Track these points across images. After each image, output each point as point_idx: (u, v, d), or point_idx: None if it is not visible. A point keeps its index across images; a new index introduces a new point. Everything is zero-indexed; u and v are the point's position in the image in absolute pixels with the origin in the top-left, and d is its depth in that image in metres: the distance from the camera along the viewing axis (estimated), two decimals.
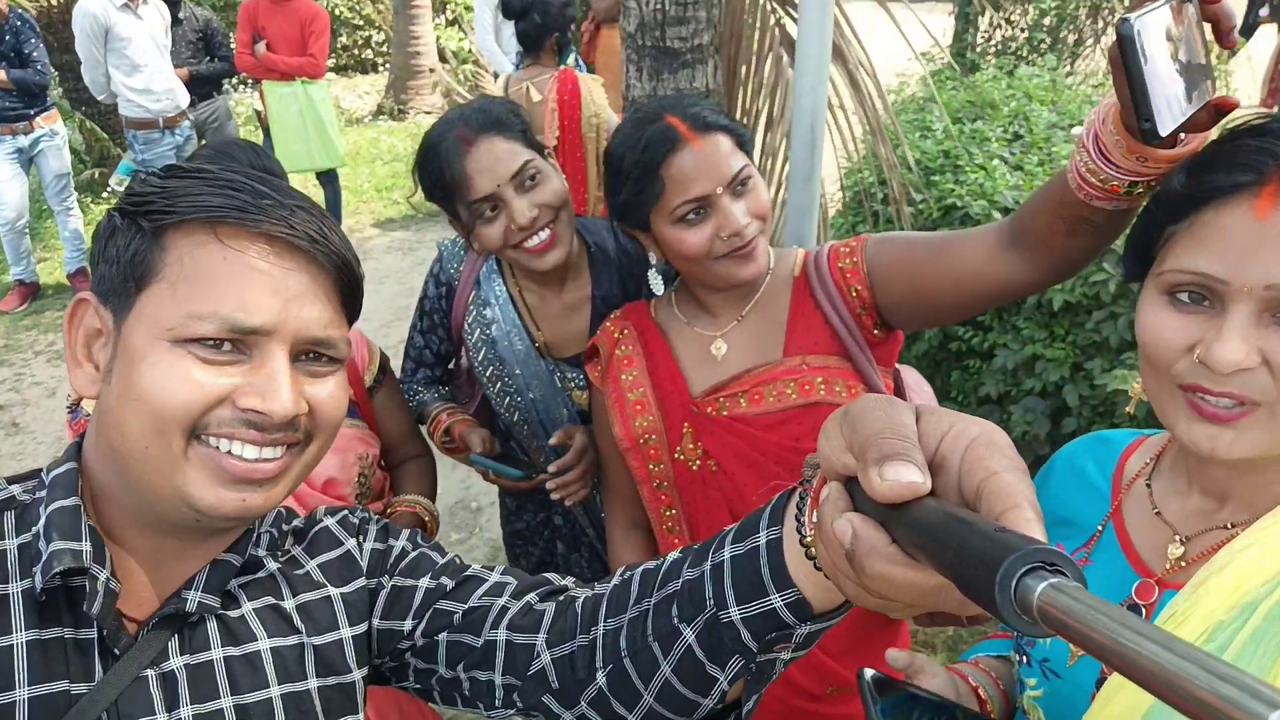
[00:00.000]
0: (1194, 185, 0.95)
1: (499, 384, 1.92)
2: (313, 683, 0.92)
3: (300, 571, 0.96)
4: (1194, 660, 0.34)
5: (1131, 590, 1.11)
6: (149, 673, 0.84)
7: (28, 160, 5.94)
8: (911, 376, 1.79)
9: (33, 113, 5.84)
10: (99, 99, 5.95)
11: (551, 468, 1.80)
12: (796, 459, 1.51)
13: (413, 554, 1.00)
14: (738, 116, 3.30)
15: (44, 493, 0.85)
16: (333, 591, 0.96)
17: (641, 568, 0.86)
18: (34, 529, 0.83)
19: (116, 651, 0.83)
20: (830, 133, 3.27)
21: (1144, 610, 1.08)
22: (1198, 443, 0.96)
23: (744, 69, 3.04)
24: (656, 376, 1.62)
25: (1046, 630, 0.41)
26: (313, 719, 0.92)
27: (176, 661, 0.86)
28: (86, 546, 0.80)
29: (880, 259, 1.51)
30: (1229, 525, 1.04)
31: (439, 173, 1.68)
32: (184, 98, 5.85)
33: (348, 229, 7.46)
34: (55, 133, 6.02)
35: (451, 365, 2.11)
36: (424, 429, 2.01)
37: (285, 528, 0.99)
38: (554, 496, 1.82)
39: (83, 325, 0.85)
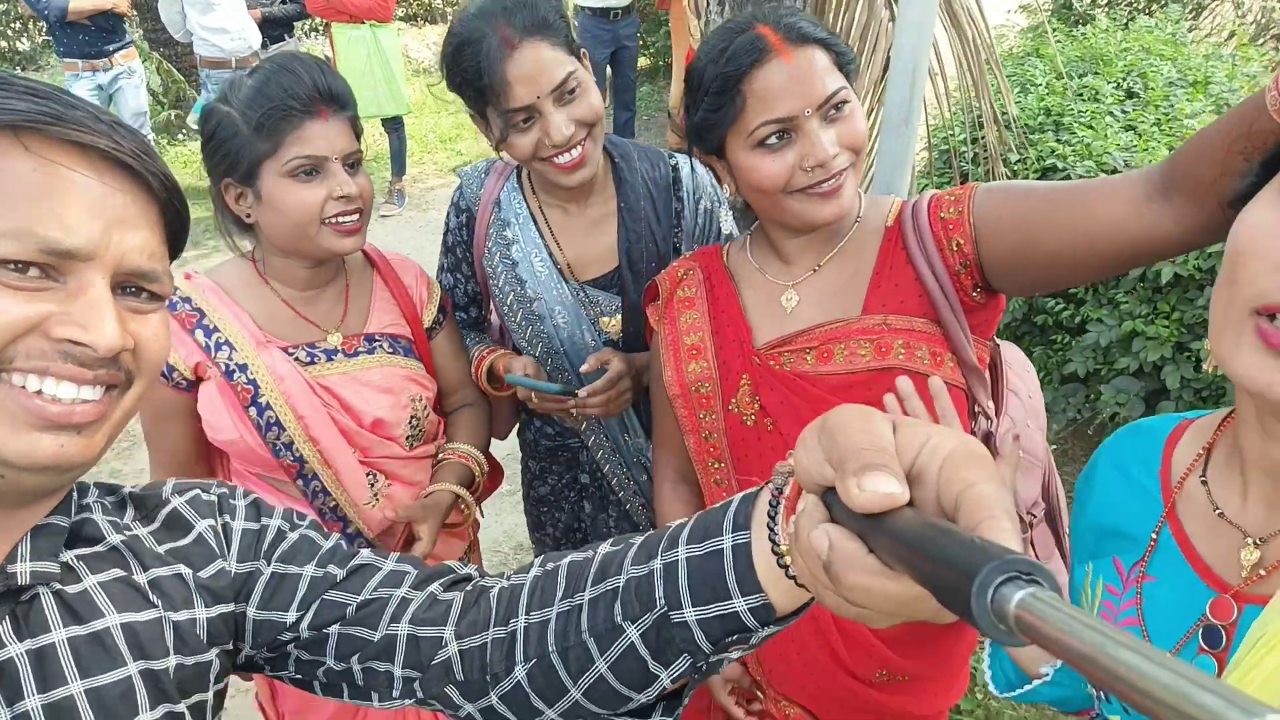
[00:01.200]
0: None
1: (521, 312, 1.80)
2: (172, 660, 0.83)
3: (154, 549, 0.87)
4: (1172, 670, 0.34)
5: (1205, 609, 0.96)
6: None
7: (107, 97, 6.00)
8: (1014, 354, 1.58)
9: (111, 49, 5.86)
10: (175, 37, 5.99)
11: (582, 392, 1.68)
12: None
13: (291, 536, 0.93)
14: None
15: None
16: (186, 571, 0.87)
17: (568, 558, 0.84)
18: None
19: None
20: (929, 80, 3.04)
21: (1225, 632, 0.93)
22: (1255, 379, 0.81)
23: (833, 6, 2.81)
24: (718, 322, 1.47)
25: (1022, 640, 0.41)
26: (170, 699, 0.82)
27: (14, 649, 0.76)
28: None
29: (990, 209, 1.31)
30: None
31: (475, 72, 1.54)
32: (256, 38, 5.85)
33: (412, 178, 7.39)
34: (134, 71, 6.07)
35: (482, 314, 2.01)
36: (480, 370, 1.90)
37: (111, 499, 0.89)
38: (578, 412, 1.74)
39: None
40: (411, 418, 1.70)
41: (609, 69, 6.55)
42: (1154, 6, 4.85)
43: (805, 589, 0.64)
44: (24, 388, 0.70)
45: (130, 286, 0.76)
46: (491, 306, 1.94)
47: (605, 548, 0.81)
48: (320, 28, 9.01)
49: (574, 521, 2.15)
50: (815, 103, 1.30)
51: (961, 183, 3.55)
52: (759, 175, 1.34)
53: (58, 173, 0.70)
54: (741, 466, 1.49)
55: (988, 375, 1.43)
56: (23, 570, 0.76)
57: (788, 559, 0.64)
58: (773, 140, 1.32)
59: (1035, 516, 1.48)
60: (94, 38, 5.77)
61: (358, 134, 1.57)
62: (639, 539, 0.79)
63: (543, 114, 1.55)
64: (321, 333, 1.64)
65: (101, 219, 0.72)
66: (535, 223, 1.79)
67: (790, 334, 1.41)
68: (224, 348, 1.56)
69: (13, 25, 9.31)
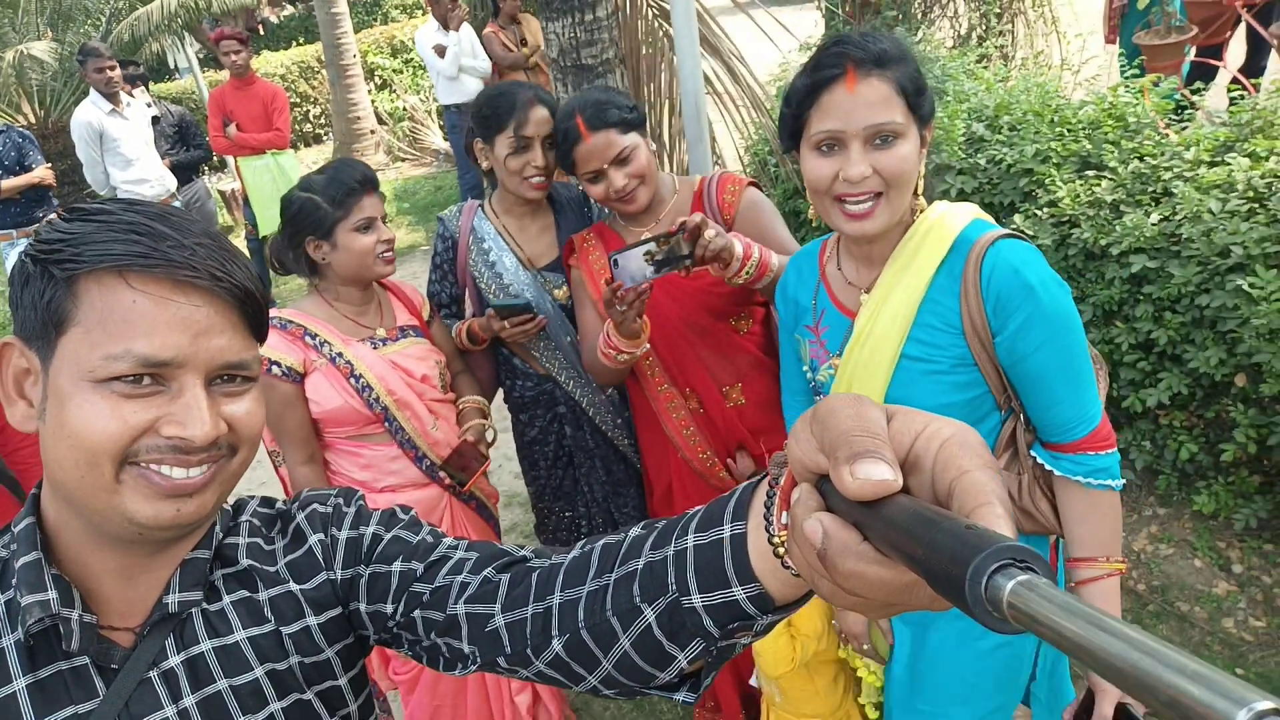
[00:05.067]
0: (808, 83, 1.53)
1: (502, 296, 2.58)
2: (293, 659, 1.01)
3: (271, 569, 1.03)
4: (1162, 659, 0.35)
5: (846, 329, 1.70)
6: (151, 674, 0.93)
7: None
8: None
9: (40, 215, 6.57)
10: (100, 193, 6.72)
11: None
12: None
13: (386, 538, 1.06)
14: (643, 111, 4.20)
15: (15, 546, 0.92)
16: (295, 588, 1.03)
17: (602, 541, 0.90)
18: (12, 583, 0.90)
19: (115, 667, 0.92)
20: (722, 113, 4.19)
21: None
22: (842, 227, 1.59)
23: (645, 74, 3.94)
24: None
25: (1016, 627, 0.42)
26: (297, 689, 1.01)
27: (175, 659, 0.94)
28: (52, 595, 0.87)
29: (747, 213, 2.27)
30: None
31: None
32: (172, 181, 6.63)
33: None
34: None
35: (459, 309, 2.82)
36: (455, 339, 2.69)
37: (265, 511, 1.10)
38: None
39: (11, 366, 0.90)
40: (440, 372, 2.50)
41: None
42: (887, 30, 6.21)
43: (803, 579, 0.63)
44: (147, 468, 0.86)
45: (224, 376, 0.91)
46: (466, 302, 2.76)
47: (635, 531, 0.86)
48: (220, 165, 9.88)
49: (558, 449, 2.81)
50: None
51: (773, 181, 4.70)
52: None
53: (151, 301, 0.84)
54: (658, 347, 2.33)
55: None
56: (173, 600, 0.94)
57: (782, 549, 0.65)
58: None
59: None
60: (24, 208, 6.45)
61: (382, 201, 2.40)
62: (663, 523, 0.83)
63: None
64: (372, 330, 2.39)
65: (188, 333, 0.86)
66: (501, 236, 2.60)
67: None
68: (324, 345, 2.28)
69: None
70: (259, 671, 0.98)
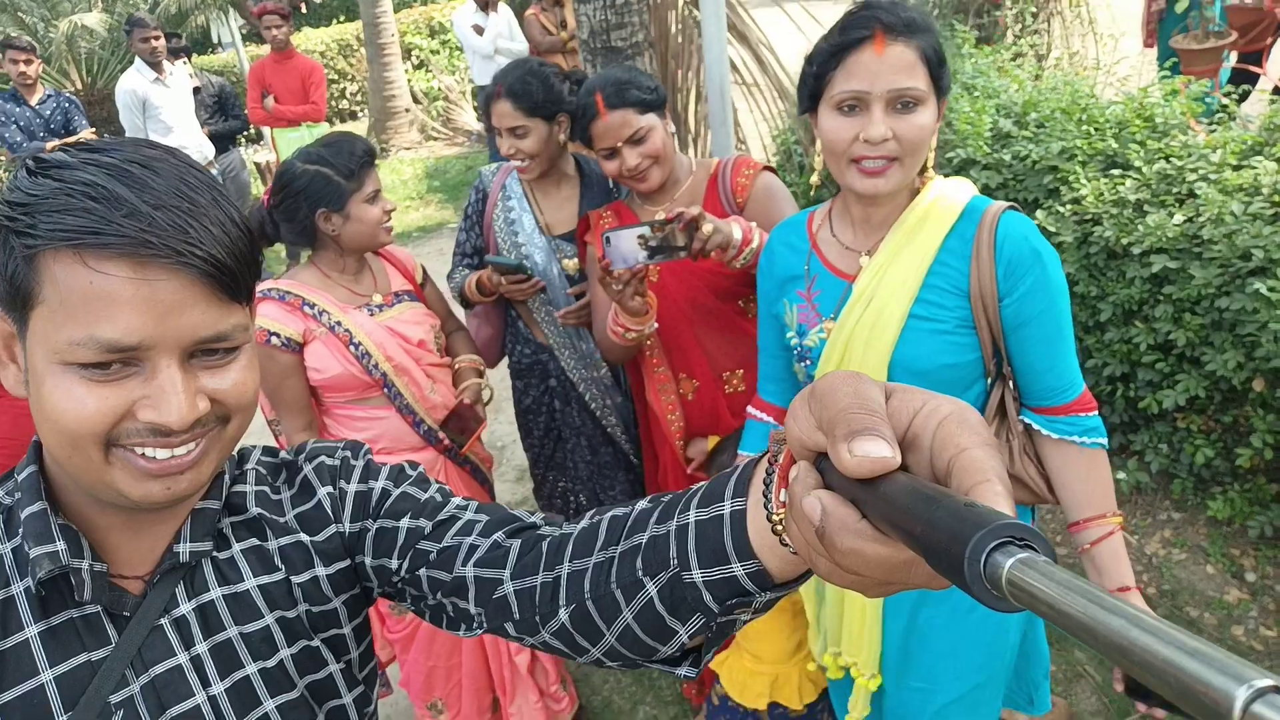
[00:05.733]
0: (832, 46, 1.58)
1: (514, 253, 2.69)
2: (301, 608, 1.01)
3: (281, 519, 1.03)
4: (1162, 636, 0.34)
5: (842, 292, 1.72)
6: (163, 621, 0.93)
7: None
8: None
9: None
10: None
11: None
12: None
13: (395, 494, 1.06)
14: (670, 96, 4.22)
15: (19, 495, 0.91)
16: (305, 538, 1.03)
17: (610, 513, 0.89)
18: (20, 531, 0.89)
19: (127, 614, 0.91)
20: (748, 101, 4.21)
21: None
22: (853, 185, 1.60)
23: (672, 59, 3.96)
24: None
25: (1015, 605, 0.41)
26: (305, 636, 1.01)
27: (186, 606, 0.94)
28: (61, 545, 0.86)
29: (758, 197, 2.29)
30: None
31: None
32: (210, 150, 6.77)
33: None
34: None
35: (479, 260, 2.89)
36: (464, 288, 2.77)
37: (270, 460, 1.08)
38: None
39: None
40: (435, 336, 2.53)
41: None
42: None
43: (801, 557, 0.63)
44: (133, 451, 0.83)
45: (203, 350, 0.84)
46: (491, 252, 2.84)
47: (642, 504, 0.86)
48: (255, 137, 10.01)
49: (550, 421, 2.94)
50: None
51: (798, 170, 4.72)
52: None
53: (109, 282, 0.77)
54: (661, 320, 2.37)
55: None
56: (184, 550, 0.94)
57: (780, 527, 0.64)
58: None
59: None
60: None
61: None
62: (668, 497, 0.83)
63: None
64: (367, 297, 2.41)
65: (153, 313, 0.79)
66: (526, 198, 2.71)
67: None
68: (323, 314, 2.30)
69: None
70: (269, 619, 0.98)
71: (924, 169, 1.68)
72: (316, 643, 1.02)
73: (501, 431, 4.94)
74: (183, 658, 0.93)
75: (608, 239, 2.00)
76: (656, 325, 2.30)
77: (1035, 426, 1.69)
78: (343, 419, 2.44)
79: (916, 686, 1.88)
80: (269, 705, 0.97)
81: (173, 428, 0.81)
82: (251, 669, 0.96)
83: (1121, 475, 3.50)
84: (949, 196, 1.68)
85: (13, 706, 0.85)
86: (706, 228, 1.96)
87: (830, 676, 2.04)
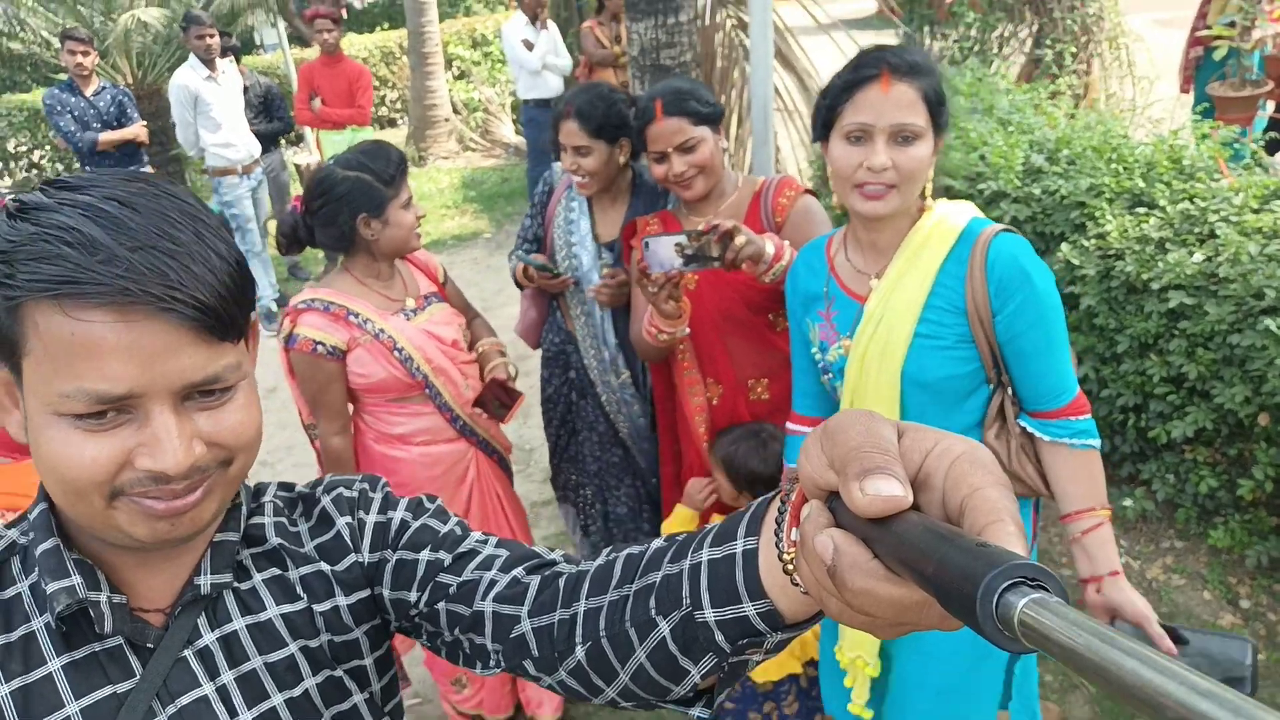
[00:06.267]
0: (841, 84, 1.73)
1: (565, 250, 2.87)
2: (324, 637, 1.00)
3: (301, 550, 1.02)
4: (1174, 677, 0.34)
5: (855, 313, 1.87)
6: (186, 653, 0.92)
7: None
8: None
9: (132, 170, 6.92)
10: (190, 153, 7.07)
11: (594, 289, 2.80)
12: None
13: (414, 526, 1.05)
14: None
15: (33, 534, 0.90)
16: (325, 567, 1.02)
17: (625, 552, 0.88)
18: (36, 569, 0.88)
19: (150, 645, 0.91)
20: (788, 126, 4.35)
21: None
22: (858, 209, 1.76)
23: (716, 82, 4.12)
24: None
25: (1027, 646, 0.41)
26: (329, 666, 1.00)
27: (209, 637, 0.94)
28: (77, 580, 0.85)
29: (796, 220, 2.41)
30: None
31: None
32: (257, 148, 6.95)
33: None
34: None
35: (537, 246, 3.06)
36: (516, 272, 2.96)
37: (286, 495, 1.07)
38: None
39: None
40: (464, 334, 2.66)
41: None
42: (962, 61, 6.35)
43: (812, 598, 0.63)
44: (137, 500, 0.81)
45: (198, 391, 0.82)
46: (544, 244, 3.00)
47: (658, 543, 0.85)
48: (296, 139, 10.24)
49: (566, 413, 3.13)
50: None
51: None
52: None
53: (92, 330, 0.75)
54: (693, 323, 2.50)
55: None
56: (205, 582, 0.93)
57: (790, 566, 0.64)
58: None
59: None
60: (118, 161, 6.78)
61: None
62: (683, 536, 0.82)
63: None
64: (401, 302, 2.51)
65: (139, 361, 0.76)
66: (586, 203, 2.87)
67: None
68: (367, 323, 2.40)
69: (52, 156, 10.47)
70: (293, 647, 0.98)
71: (923, 195, 1.83)
72: (340, 673, 1.01)
73: (529, 435, 5.08)
74: (209, 688, 0.92)
75: (647, 244, 2.14)
76: (689, 330, 2.43)
77: (1031, 430, 1.83)
78: (382, 416, 2.56)
79: (912, 670, 2.00)
80: None
81: (171, 474, 0.80)
82: (278, 699, 0.96)
83: (1129, 503, 3.61)
84: (948, 221, 1.83)
85: None
86: (740, 240, 2.11)
87: (843, 665, 2.16)
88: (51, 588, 0.85)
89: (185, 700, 0.91)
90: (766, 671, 2.51)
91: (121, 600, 0.89)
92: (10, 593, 0.89)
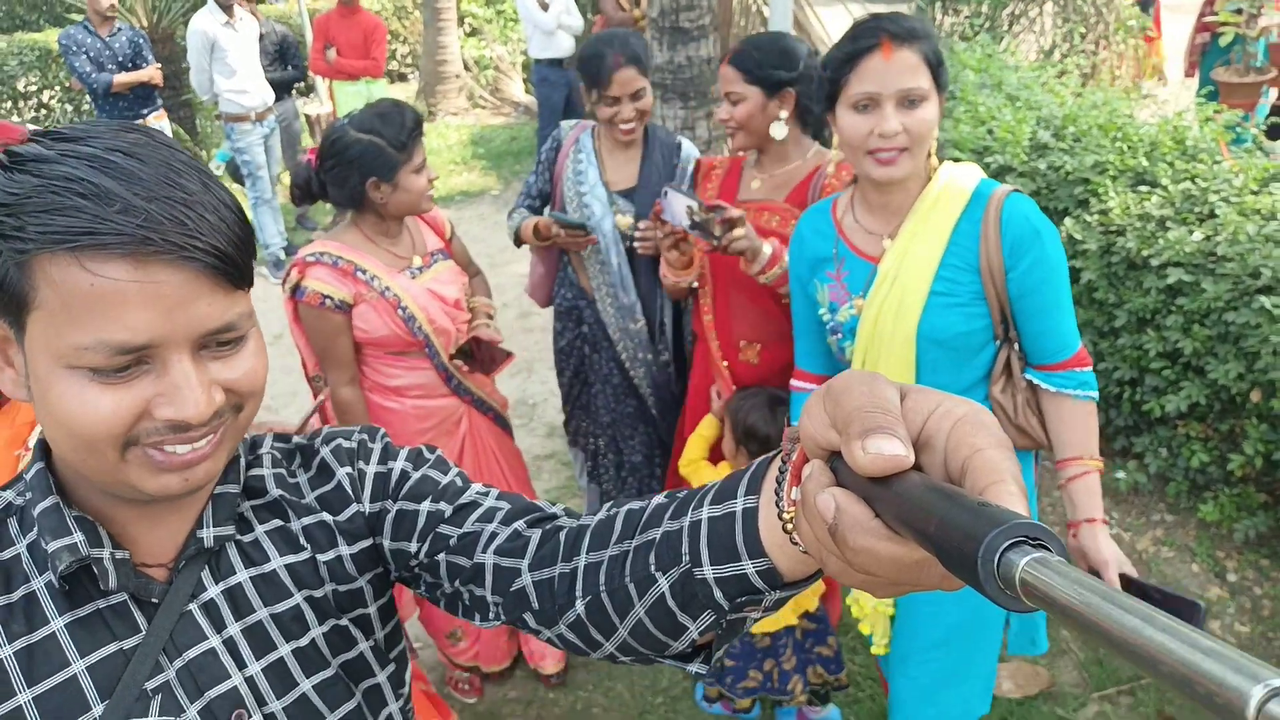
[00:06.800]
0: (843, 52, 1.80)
1: (576, 201, 2.93)
2: (328, 587, 1.00)
3: (302, 500, 1.02)
4: (1176, 635, 0.34)
5: (868, 273, 1.95)
6: (191, 606, 0.92)
7: None
8: None
9: (146, 113, 6.95)
10: (203, 99, 7.08)
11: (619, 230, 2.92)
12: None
13: (414, 476, 1.04)
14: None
15: (30, 493, 0.89)
16: (328, 518, 1.02)
17: (626, 507, 0.88)
18: (34, 528, 0.88)
19: (155, 600, 0.90)
20: None
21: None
22: (868, 172, 1.83)
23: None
24: (724, 189, 2.60)
25: (1029, 605, 0.41)
26: (334, 615, 1.00)
27: (213, 590, 0.94)
28: (79, 537, 0.85)
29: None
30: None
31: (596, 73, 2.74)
32: (270, 96, 6.96)
33: None
34: (163, 129, 7.13)
35: (543, 203, 3.14)
36: (520, 229, 3.02)
37: (283, 445, 1.06)
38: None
39: None
40: (466, 294, 2.69)
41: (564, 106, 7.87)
42: (973, 36, 6.38)
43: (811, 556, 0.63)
44: (150, 450, 0.81)
45: (212, 342, 0.83)
46: (553, 200, 3.08)
47: (659, 499, 0.85)
48: (307, 89, 10.23)
49: (579, 365, 3.20)
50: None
51: None
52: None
53: (110, 282, 0.75)
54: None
55: None
56: (207, 535, 0.93)
57: (790, 526, 0.64)
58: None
59: None
60: (131, 104, 6.83)
61: None
62: (684, 493, 0.82)
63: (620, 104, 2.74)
64: (408, 259, 2.54)
65: (160, 309, 0.77)
66: (595, 154, 2.95)
67: (750, 200, 2.51)
68: (374, 280, 2.43)
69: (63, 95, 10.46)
70: (299, 597, 0.97)
71: (929, 155, 1.89)
72: (345, 622, 1.01)
73: (533, 390, 5.17)
74: (215, 641, 0.92)
75: (665, 192, 2.24)
76: (696, 282, 2.52)
77: (1037, 382, 1.93)
78: (379, 368, 2.61)
79: (925, 609, 2.10)
80: (305, 685, 0.96)
81: (192, 422, 0.80)
82: (285, 649, 0.95)
83: (1121, 475, 3.71)
84: (958, 181, 1.90)
85: (48, 697, 0.85)
86: (738, 231, 2.22)
87: (856, 615, 2.26)
88: (53, 546, 0.84)
89: (192, 653, 0.91)
90: (764, 624, 2.61)
91: (124, 556, 0.89)
92: (9, 554, 0.89)
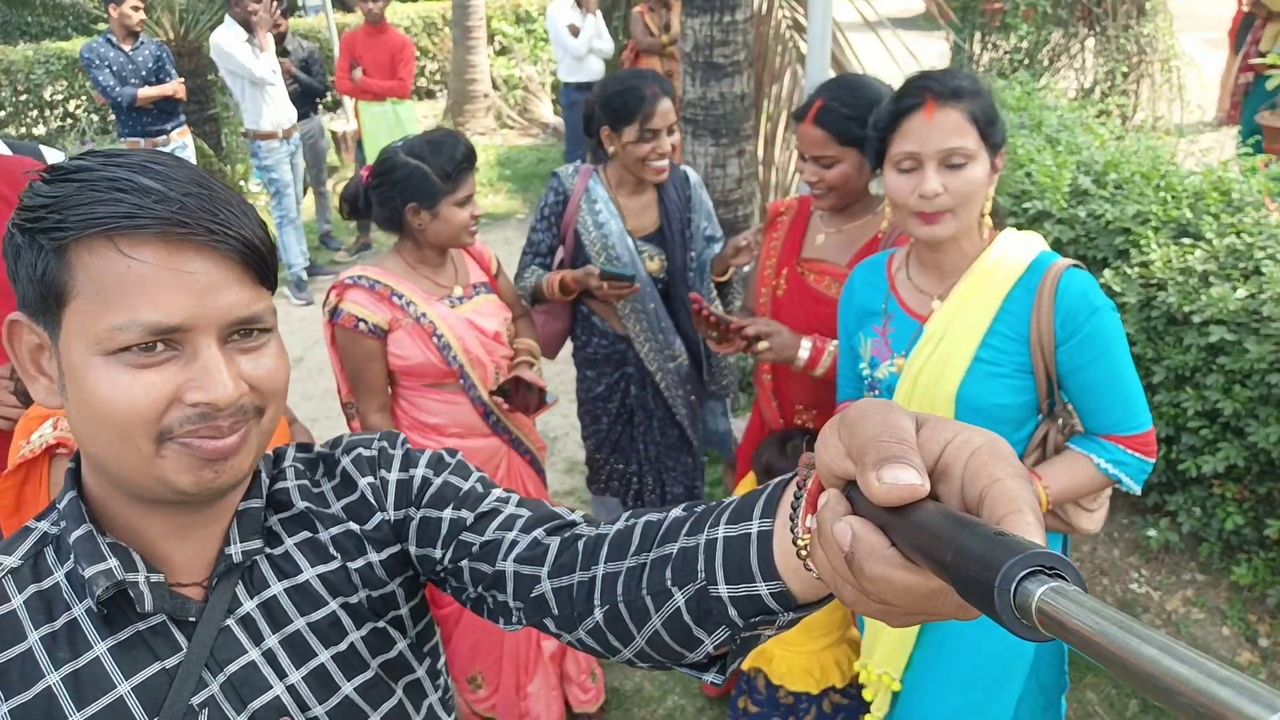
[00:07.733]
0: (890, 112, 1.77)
1: (605, 254, 2.89)
2: (362, 593, 1.03)
3: (328, 511, 1.04)
4: (1191, 664, 0.34)
5: (913, 332, 1.90)
6: (229, 621, 0.94)
7: None
8: None
9: (169, 128, 6.93)
10: (256, 77, 6.90)
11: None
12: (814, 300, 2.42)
13: (436, 483, 1.07)
14: (762, 117, 4.35)
15: (64, 522, 0.92)
16: (355, 527, 1.04)
17: (644, 518, 0.90)
18: (71, 556, 0.90)
19: (192, 619, 0.92)
20: None
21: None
22: (915, 231, 1.79)
23: (769, 79, 4.09)
24: (790, 239, 2.52)
25: (1045, 635, 0.41)
26: (370, 618, 1.03)
27: (249, 605, 0.96)
28: (114, 563, 0.88)
29: None
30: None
31: (635, 105, 2.68)
32: (293, 113, 6.92)
33: None
34: (186, 145, 7.10)
35: (551, 259, 3.05)
36: (539, 286, 2.88)
37: (306, 456, 1.09)
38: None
39: (24, 343, 0.88)
40: (507, 329, 2.64)
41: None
42: (1012, 72, 6.29)
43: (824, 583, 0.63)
44: (186, 443, 0.84)
45: (239, 331, 0.86)
46: (560, 252, 2.99)
47: (676, 512, 0.87)
48: (333, 106, 10.24)
49: (621, 405, 3.17)
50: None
51: None
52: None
53: (146, 265, 0.79)
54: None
55: None
56: (235, 550, 0.95)
57: (804, 553, 0.64)
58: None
59: None
60: (155, 118, 6.79)
61: None
62: (701, 508, 0.84)
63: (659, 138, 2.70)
64: (449, 289, 2.52)
65: (192, 293, 0.81)
66: (612, 203, 2.91)
67: (814, 259, 2.43)
68: (410, 305, 2.41)
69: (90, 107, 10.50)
70: (334, 605, 1.00)
71: (984, 215, 1.84)
72: (383, 624, 1.04)
73: (555, 424, 5.09)
74: (255, 653, 0.94)
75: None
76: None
77: (1088, 449, 1.83)
78: (418, 402, 2.56)
79: (932, 689, 2.01)
80: (347, 688, 0.99)
81: (219, 405, 0.83)
82: (325, 655, 0.98)
83: (1152, 533, 3.59)
84: (1017, 250, 1.84)
85: (97, 719, 0.87)
86: (760, 346, 2.31)
87: (863, 680, 2.17)
88: (89, 572, 0.87)
89: (234, 667, 0.93)
90: (791, 681, 2.53)
91: (159, 579, 0.91)
92: (49, 583, 0.91)
